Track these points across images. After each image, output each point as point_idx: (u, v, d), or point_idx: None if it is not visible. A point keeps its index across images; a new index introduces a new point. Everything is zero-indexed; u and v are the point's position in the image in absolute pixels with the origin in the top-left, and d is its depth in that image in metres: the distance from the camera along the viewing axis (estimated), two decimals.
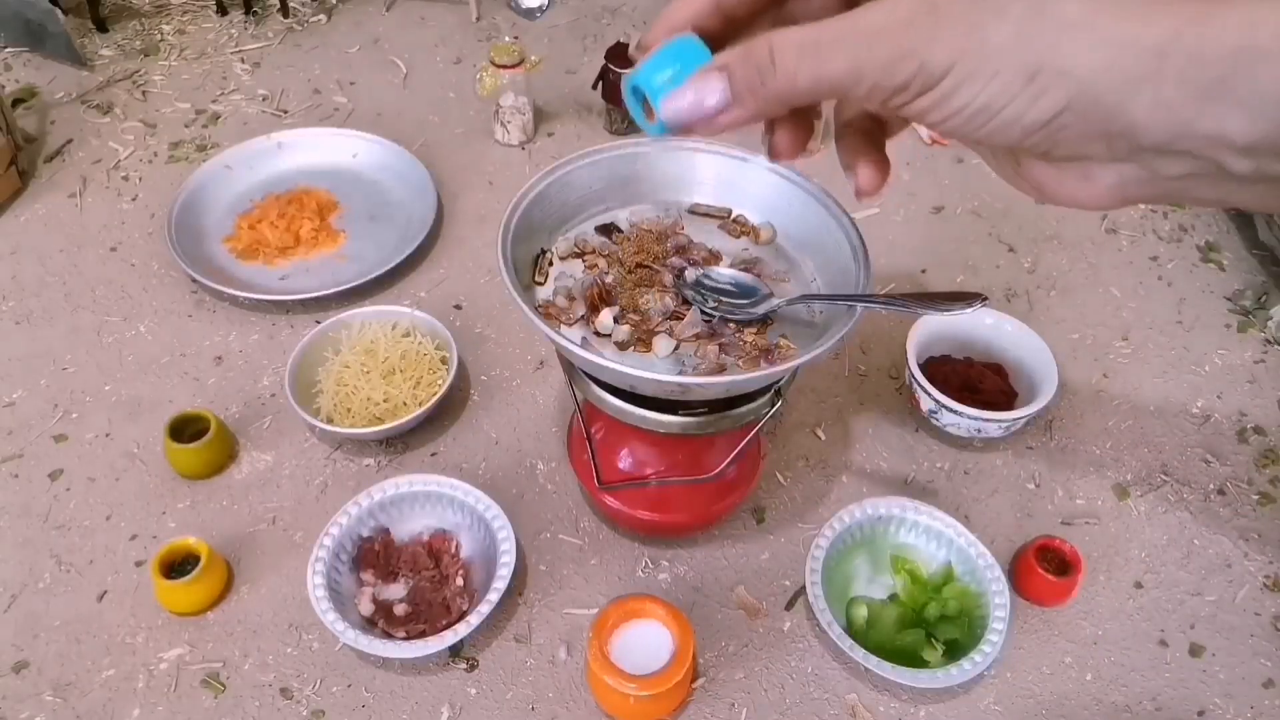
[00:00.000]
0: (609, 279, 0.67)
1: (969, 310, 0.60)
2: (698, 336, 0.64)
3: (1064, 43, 0.30)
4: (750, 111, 0.37)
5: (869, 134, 0.43)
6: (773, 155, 0.44)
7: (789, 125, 0.43)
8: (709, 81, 0.38)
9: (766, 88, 0.36)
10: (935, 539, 0.79)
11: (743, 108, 0.37)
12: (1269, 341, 1.00)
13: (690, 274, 0.67)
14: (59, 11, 1.26)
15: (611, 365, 0.58)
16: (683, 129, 0.39)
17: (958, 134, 0.34)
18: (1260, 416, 0.93)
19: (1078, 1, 0.30)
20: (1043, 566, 0.76)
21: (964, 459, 0.88)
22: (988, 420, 0.83)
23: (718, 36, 0.41)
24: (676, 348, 0.64)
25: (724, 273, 0.67)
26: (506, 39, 1.35)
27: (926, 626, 0.75)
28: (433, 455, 0.87)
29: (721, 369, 0.62)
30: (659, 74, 0.38)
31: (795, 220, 0.70)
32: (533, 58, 1.14)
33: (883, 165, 0.43)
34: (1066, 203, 0.35)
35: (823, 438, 0.90)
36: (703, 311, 0.65)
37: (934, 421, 0.87)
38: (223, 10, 1.39)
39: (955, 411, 0.83)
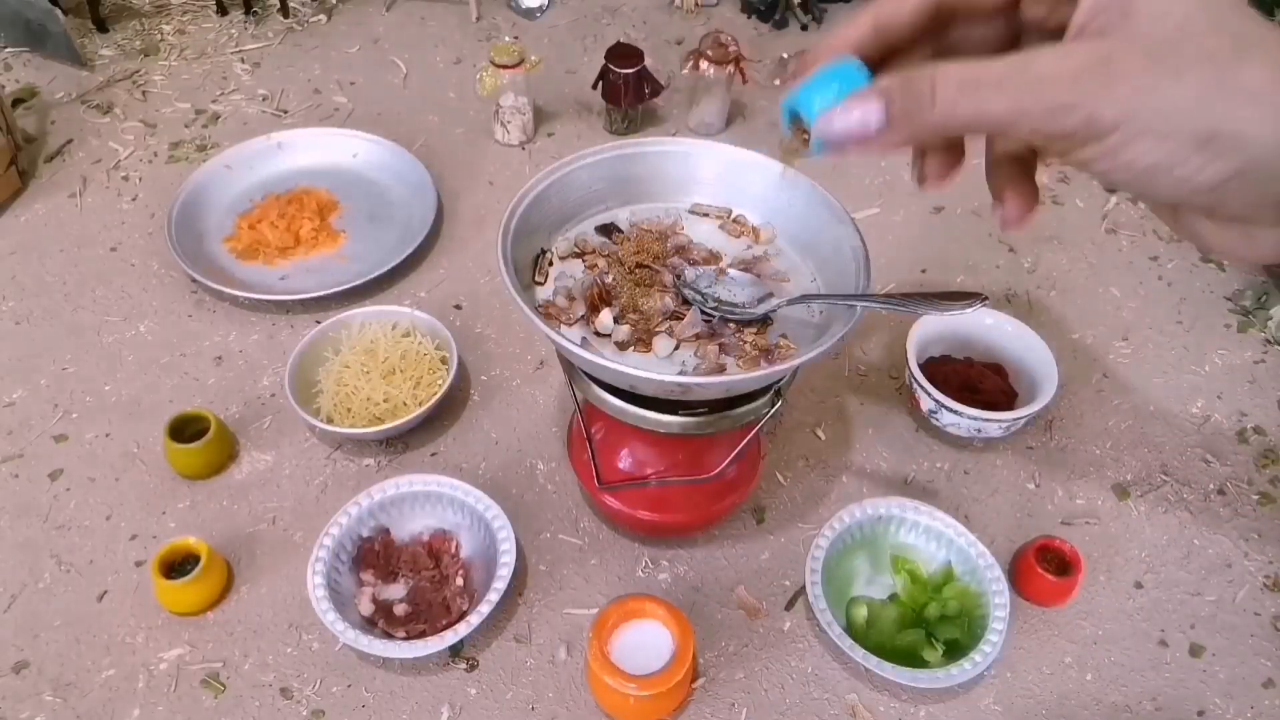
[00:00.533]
0: (609, 279, 0.67)
1: (969, 310, 0.60)
2: (698, 336, 0.64)
3: (1242, 111, 0.30)
4: (904, 137, 0.38)
5: (1022, 163, 0.43)
6: (921, 180, 0.45)
7: (941, 152, 0.44)
8: (868, 103, 0.38)
9: (924, 117, 0.36)
10: (935, 539, 0.79)
11: (897, 133, 0.38)
12: (1269, 341, 1.00)
13: (690, 274, 0.67)
14: (59, 11, 1.25)
15: (611, 365, 0.58)
16: (835, 148, 0.40)
17: (1121, 186, 0.35)
18: (1260, 416, 0.93)
19: (1262, 70, 0.30)
20: (1043, 566, 0.76)
21: (964, 459, 0.88)
22: (988, 420, 0.83)
23: (877, 64, 0.42)
24: (676, 348, 0.64)
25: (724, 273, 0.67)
26: (506, 39, 1.35)
27: (926, 626, 0.75)
28: (433, 455, 0.87)
29: (721, 369, 0.62)
30: (819, 94, 0.39)
31: (795, 220, 0.70)
32: (533, 58, 1.14)
33: (1031, 196, 0.43)
34: (1225, 256, 0.37)
35: (823, 438, 0.90)
36: (703, 311, 0.65)
37: (934, 421, 0.87)
38: (223, 10, 1.39)
39: (955, 411, 0.83)
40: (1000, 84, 0.34)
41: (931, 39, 0.44)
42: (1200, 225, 0.35)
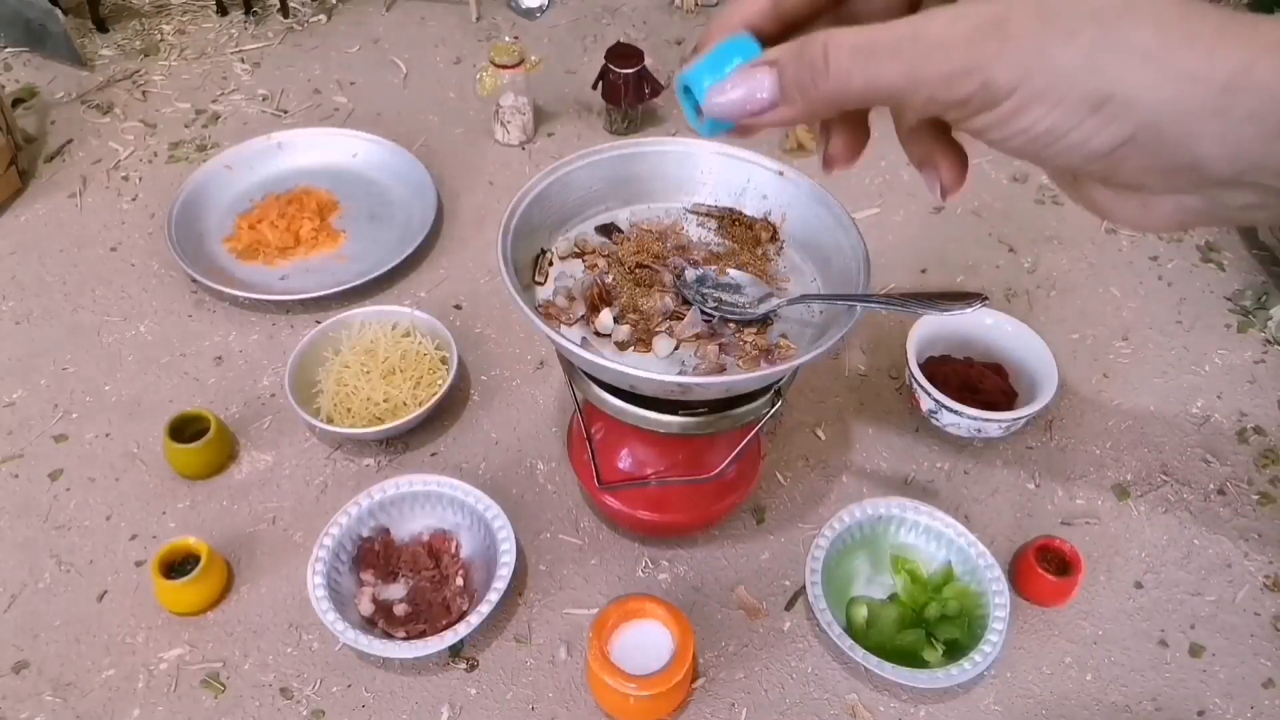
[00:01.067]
0: (609, 279, 0.67)
1: (969, 310, 0.60)
2: (698, 336, 0.64)
3: (1132, 74, 0.29)
4: (798, 111, 0.35)
5: (939, 126, 0.40)
6: (827, 163, 0.42)
7: (845, 131, 0.41)
8: (756, 76, 0.36)
9: (818, 88, 0.34)
10: (935, 539, 0.79)
11: (791, 106, 0.35)
12: (1269, 341, 1.00)
13: (690, 274, 0.67)
14: (59, 11, 1.25)
15: (611, 365, 0.58)
16: (730, 125, 0.38)
17: (1015, 153, 0.33)
18: (1260, 416, 0.93)
19: (1151, 31, 0.29)
20: (1043, 566, 0.76)
21: (964, 459, 0.88)
22: (988, 420, 0.83)
23: (775, 39, 0.39)
24: (676, 348, 0.64)
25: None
26: (506, 39, 1.35)
27: (926, 626, 0.75)
28: (433, 455, 0.87)
29: (721, 369, 0.62)
30: (710, 72, 0.37)
31: (795, 220, 0.70)
32: (533, 58, 1.14)
33: (961, 159, 0.40)
34: (1123, 224, 0.35)
35: (823, 438, 0.90)
36: (703, 311, 0.65)
37: (934, 421, 0.87)
38: (223, 10, 1.39)
39: (955, 411, 0.83)
40: (895, 50, 0.32)
41: (831, 12, 0.41)
42: (1098, 193, 0.34)
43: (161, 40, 1.35)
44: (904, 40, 0.33)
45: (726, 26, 0.40)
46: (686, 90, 0.39)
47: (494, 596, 0.72)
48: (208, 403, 0.90)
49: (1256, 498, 0.87)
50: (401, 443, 0.88)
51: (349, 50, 1.34)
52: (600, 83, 1.17)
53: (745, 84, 0.37)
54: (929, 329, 0.90)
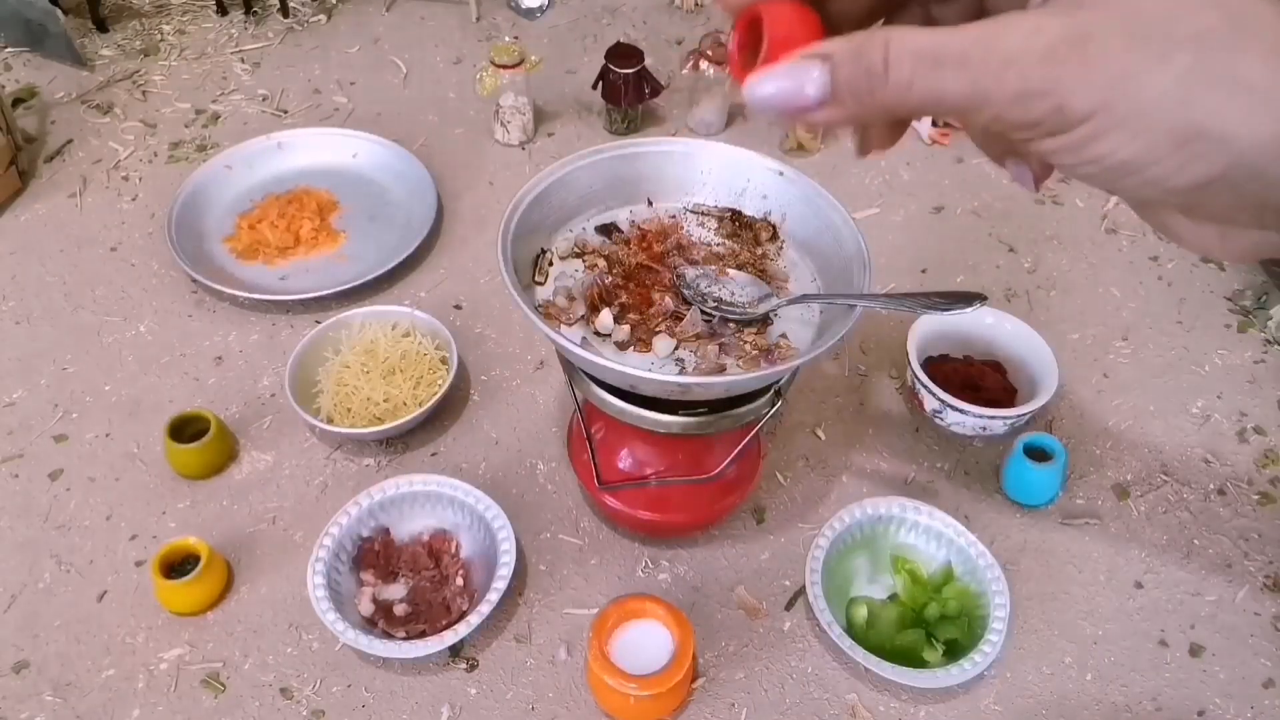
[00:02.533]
0: (609, 279, 0.67)
1: (969, 310, 0.60)
2: (698, 336, 0.64)
3: (1230, 108, 0.26)
4: (847, 115, 0.31)
5: None
6: (862, 150, 0.38)
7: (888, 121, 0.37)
8: (808, 69, 0.31)
9: (873, 96, 0.30)
10: (935, 539, 0.79)
11: (840, 109, 0.31)
12: (1269, 341, 1.00)
13: (690, 274, 0.67)
14: (59, 11, 1.25)
15: (611, 365, 0.58)
16: (770, 116, 0.34)
17: (1085, 180, 0.30)
18: (1260, 416, 0.93)
19: (1259, 60, 0.26)
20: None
21: (964, 459, 0.88)
22: (992, 418, 0.83)
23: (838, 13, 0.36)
24: (676, 348, 0.64)
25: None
26: (506, 39, 1.35)
27: (926, 626, 0.75)
28: (433, 455, 0.87)
29: (721, 369, 0.62)
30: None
31: (795, 220, 0.70)
32: (533, 58, 1.14)
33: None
34: (1196, 251, 0.32)
35: (823, 438, 0.90)
36: (703, 311, 0.65)
37: (937, 421, 0.87)
38: (223, 10, 1.39)
39: (960, 410, 0.83)
40: (962, 61, 0.29)
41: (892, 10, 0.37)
42: (1172, 219, 0.31)
43: (161, 40, 1.35)
44: (973, 51, 0.29)
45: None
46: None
47: (494, 596, 0.72)
48: (208, 403, 0.90)
49: (1256, 498, 0.86)
50: (401, 443, 0.88)
51: (349, 50, 1.34)
52: (600, 83, 1.17)
53: (793, 76, 0.32)
54: (929, 329, 0.90)
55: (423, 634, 0.73)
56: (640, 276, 0.68)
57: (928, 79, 0.29)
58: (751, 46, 0.36)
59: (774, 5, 0.36)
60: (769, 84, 0.32)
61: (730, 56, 0.39)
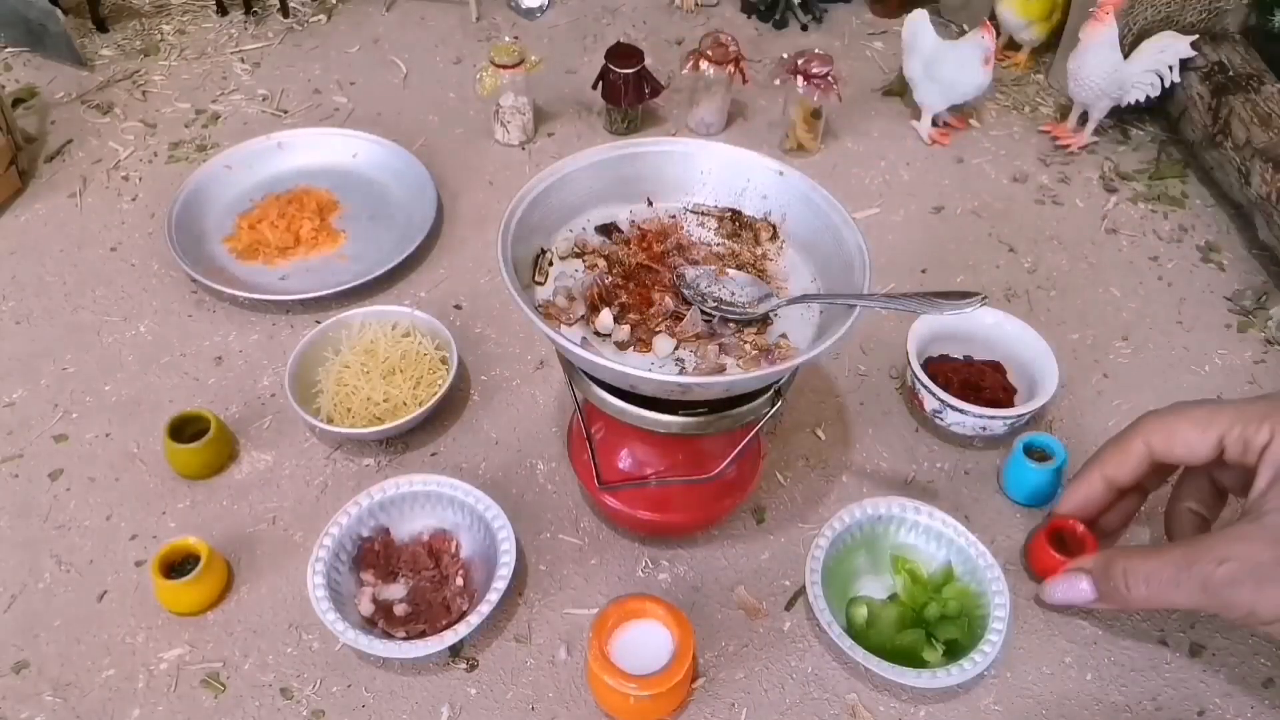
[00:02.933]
0: (609, 279, 0.67)
1: (969, 310, 0.60)
2: (698, 336, 0.64)
3: None
4: (1115, 607, 0.60)
5: (1203, 521, 0.64)
6: (1100, 531, 0.72)
7: (1121, 507, 0.68)
8: (1078, 583, 0.62)
9: (1125, 602, 0.56)
10: (935, 539, 0.79)
11: (1109, 603, 0.60)
12: (1269, 341, 1.00)
13: (690, 274, 0.67)
14: (59, 11, 1.25)
15: (611, 365, 0.58)
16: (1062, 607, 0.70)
17: None
18: None
19: None
20: (1055, 548, 0.74)
21: (965, 458, 0.88)
22: (992, 418, 0.83)
23: (1105, 508, 0.69)
24: (676, 348, 0.64)
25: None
26: (506, 39, 1.35)
27: (926, 626, 0.75)
28: (433, 455, 0.87)
29: (721, 369, 0.62)
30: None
31: (795, 220, 0.70)
32: (533, 58, 1.14)
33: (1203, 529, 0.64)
34: None
35: (823, 438, 0.90)
36: (703, 311, 0.65)
37: (938, 421, 0.87)
38: (223, 10, 1.39)
39: (960, 410, 0.83)
40: (1176, 584, 0.51)
41: (1153, 481, 0.66)
42: None
43: (161, 40, 1.35)
44: (1179, 576, 0.51)
45: (1071, 503, 0.71)
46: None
47: (494, 596, 0.72)
48: (208, 403, 0.90)
49: None
50: (401, 443, 0.88)
51: (349, 50, 1.34)
52: (600, 83, 1.17)
53: (1072, 587, 0.63)
54: (928, 329, 0.90)
55: (423, 634, 0.73)
56: (640, 276, 0.68)
57: (1156, 595, 0.55)
58: (1052, 543, 0.73)
59: (1065, 523, 0.73)
60: (1056, 591, 0.67)
61: (1034, 547, 0.77)
